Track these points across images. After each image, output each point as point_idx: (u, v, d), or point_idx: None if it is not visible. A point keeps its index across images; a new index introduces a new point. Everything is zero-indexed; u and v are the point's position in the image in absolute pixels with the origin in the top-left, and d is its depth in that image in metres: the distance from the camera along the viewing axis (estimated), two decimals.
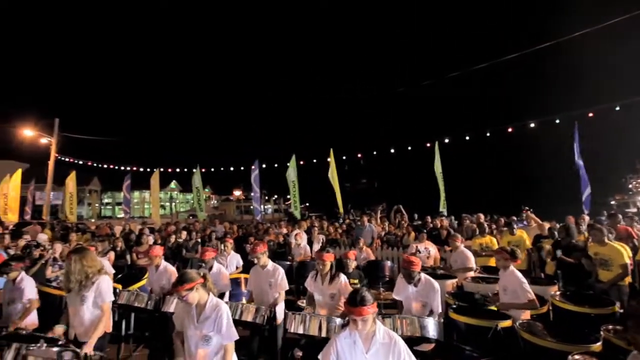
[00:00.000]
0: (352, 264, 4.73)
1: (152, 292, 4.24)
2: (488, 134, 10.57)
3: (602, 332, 2.70)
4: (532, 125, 9.84)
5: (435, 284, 3.31)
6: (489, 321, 3.00)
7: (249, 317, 3.30)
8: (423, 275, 3.37)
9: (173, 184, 54.32)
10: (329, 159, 11.62)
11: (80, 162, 17.97)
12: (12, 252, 5.49)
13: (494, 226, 7.68)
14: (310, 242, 7.36)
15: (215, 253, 4.67)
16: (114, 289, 3.45)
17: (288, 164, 11.93)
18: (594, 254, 4.46)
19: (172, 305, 3.67)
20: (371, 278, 5.21)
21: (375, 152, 12.94)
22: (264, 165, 13.64)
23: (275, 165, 13.66)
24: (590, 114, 8.88)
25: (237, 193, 53.90)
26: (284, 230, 8.45)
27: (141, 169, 16.59)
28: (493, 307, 3.57)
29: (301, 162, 12.59)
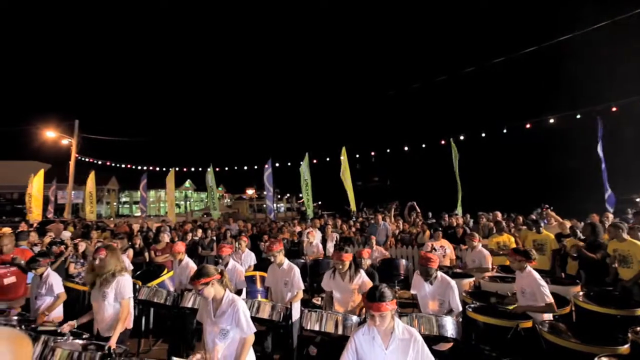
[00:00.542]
0: (367, 262, 4.72)
1: (175, 289, 4.35)
2: (505, 130, 10.31)
3: (629, 334, 2.60)
4: (552, 120, 9.54)
5: (452, 282, 3.26)
6: (510, 321, 2.93)
7: (265, 314, 3.32)
8: (439, 274, 3.32)
9: (187, 183, 55.31)
10: (342, 157, 11.59)
11: (99, 162, 18.50)
12: (37, 248, 5.71)
13: (511, 224, 7.49)
14: (324, 241, 7.37)
15: (232, 250, 4.74)
16: (134, 284, 3.55)
17: (301, 162, 11.96)
18: (613, 251, 4.34)
19: (190, 301, 3.74)
20: (386, 276, 5.18)
21: (388, 150, 12.82)
22: (277, 164, 13.72)
23: (289, 163, 13.71)
24: (614, 108, 8.53)
25: (250, 192, 54.43)
26: (298, 229, 8.48)
27: (157, 169, 16.96)
28: (510, 307, 3.49)
29: (314, 161, 12.59)
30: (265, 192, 13.79)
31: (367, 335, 2.09)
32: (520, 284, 3.40)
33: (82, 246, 5.46)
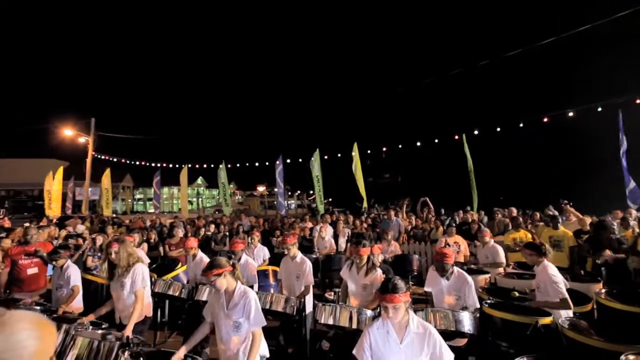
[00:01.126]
0: (379, 258, 4.68)
1: (188, 281, 4.41)
2: (521, 125, 10.03)
3: None
4: (571, 114, 9.22)
5: (469, 277, 3.19)
6: (529, 317, 2.85)
7: (278, 307, 3.33)
8: (456, 269, 3.26)
9: (200, 180, 56.06)
10: (353, 153, 11.53)
11: (115, 160, 18.88)
12: (58, 242, 5.88)
13: (528, 221, 7.32)
14: (335, 236, 7.36)
15: (244, 245, 4.77)
16: (150, 277, 3.62)
17: (312, 158, 11.95)
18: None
19: (204, 294, 3.78)
20: (399, 272, 5.12)
21: (400, 146, 12.67)
22: (288, 160, 13.74)
23: (300, 159, 13.71)
24: (638, 100, 8.19)
25: (261, 189, 54.82)
26: (309, 225, 8.48)
27: (170, 165, 17.23)
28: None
29: (325, 157, 12.56)
30: (276, 189, 13.88)
31: (382, 329, 2.06)
32: (536, 279, 3.32)
33: (99, 240, 5.61)
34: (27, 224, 6.82)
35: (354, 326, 2.84)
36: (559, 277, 3.20)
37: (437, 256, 3.30)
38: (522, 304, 3.39)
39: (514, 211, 7.83)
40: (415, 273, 5.88)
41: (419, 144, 12.21)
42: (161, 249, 6.80)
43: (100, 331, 2.75)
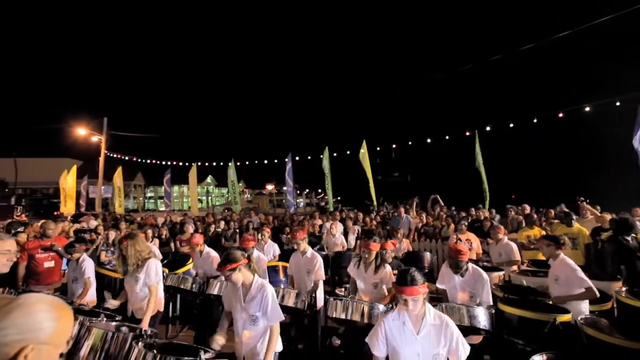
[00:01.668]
0: (391, 255, 4.63)
1: (197, 275, 4.43)
2: (535, 120, 9.79)
3: None
4: (588, 109, 8.95)
5: (484, 274, 3.13)
6: (546, 314, 2.77)
7: (290, 302, 3.32)
8: (470, 265, 3.19)
9: (209, 179, 56.60)
10: (362, 151, 11.46)
11: (126, 158, 19.19)
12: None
13: (542, 218, 7.16)
14: (345, 234, 7.33)
15: (255, 242, 4.77)
16: (162, 272, 3.65)
17: (321, 156, 11.93)
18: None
19: (215, 288, 3.80)
20: None
21: (410, 142, 12.54)
22: (297, 158, 13.74)
23: (309, 157, 13.70)
24: None
25: (270, 187, 55.05)
26: (319, 222, 8.47)
27: (180, 163, 17.44)
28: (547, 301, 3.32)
29: (334, 154, 12.51)
30: (285, 188, 13.91)
31: (397, 320, 2.04)
32: (554, 272, 3.25)
33: (111, 235, 5.70)
34: (43, 221, 6.98)
35: (366, 321, 2.81)
36: (578, 267, 3.14)
37: (451, 253, 3.23)
38: (541, 300, 3.31)
39: (528, 208, 7.67)
40: (427, 270, 5.81)
41: (429, 140, 12.06)
42: (172, 245, 6.88)
43: (114, 323, 2.79)
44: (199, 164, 16.11)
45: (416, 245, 7.22)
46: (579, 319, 2.75)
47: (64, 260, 4.51)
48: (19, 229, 4.94)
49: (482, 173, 10.01)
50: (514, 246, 5.05)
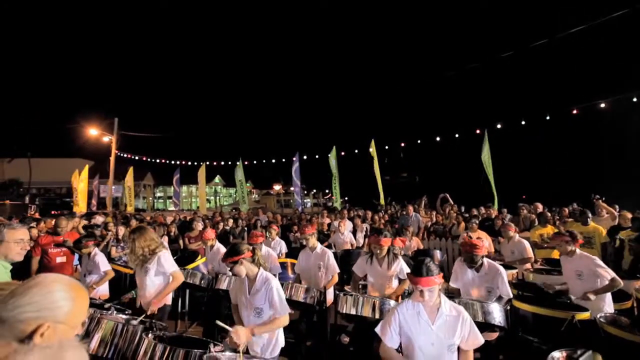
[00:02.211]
0: (399, 252, 4.56)
1: (206, 271, 4.44)
2: (548, 117, 9.58)
3: None
4: (603, 105, 8.70)
5: (501, 268, 3.05)
6: (564, 312, 2.69)
7: (299, 297, 3.29)
8: (486, 260, 3.11)
9: (217, 179, 57.03)
10: (370, 150, 11.40)
11: (136, 158, 19.45)
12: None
13: (555, 217, 7.00)
14: (353, 232, 7.27)
15: (263, 238, 4.76)
16: None
17: (329, 155, 11.90)
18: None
19: (224, 283, 3.79)
20: None
21: (419, 141, 12.40)
22: (304, 157, 13.73)
23: (317, 156, 13.68)
24: None
25: (277, 188, 55.21)
26: (327, 220, 8.43)
27: (189, 163, 17.60)
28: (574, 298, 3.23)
29: (342, 153, 12.46)
30: (292, 188, 13.92)
31: (412, 310, 2.02)
32: (574, 267, 3.15)
33: (121, 231, 5.76)
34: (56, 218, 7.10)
35: (377, 316, 2.76)
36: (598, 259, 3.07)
37: (466, 247, 3.14)
38: (556, 298, 3.22)
39: (540, 207, 7.50)
40: None
41: (438, 139, 11.91)
42: (181, 242, 6.92)
43: (124, 316, 2.79)
44: (208, 163, 16.25)
45: (426, 244, 7.12)
46: (598, 316, 2.66)
47: (76, 256, 4.57)
48: (31, 225, 5.02)
49: (489, 173, 9.85)
50: (526, 243, 4.94)
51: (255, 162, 16.26)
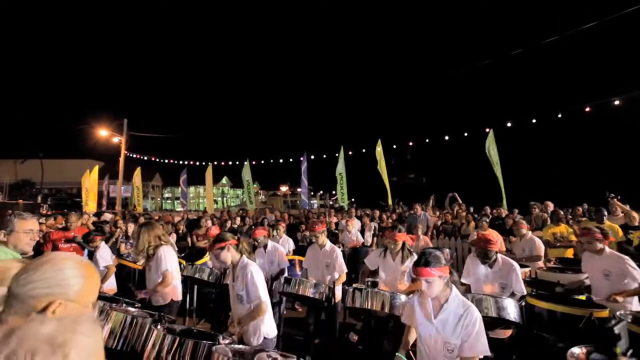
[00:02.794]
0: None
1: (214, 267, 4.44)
2: (560, 115, 9.37)
3: None
4: (617, 102, 8.48)
5: (515, 263, 2.96)
6: (583, 309, 2.60)
7: (307, 292, 3.25)
8: (500, 256, 3.03)
9: (224, 180, 57.40)
10: (378, 149, 11.33)
11: (145, 158, 19.67)
12: None
13: (568, 216, 6.85)
14: (361, 231, 7.22)
15: (266, 232, 4.73)
16: (179, 263, 3.65)
17: (337, 154, 11.86)
18: None
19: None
20: None
21: (427, 140, 12.27)
22: (312, 157, 13.72)
23: (324, 156, 13.65)
24: None
25: (284, 189, 55.34)
26: (335, 220, 8.39)
27: (197, 163, 17.72)
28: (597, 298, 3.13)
29: (350, 153, 12.40)
30: (299, 189, 13.92)
31: (419, 300, 2.03)
32: (601, 266, 3.01)
33: (130, 227, 5.80)
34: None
35: (387, 310, 2.71)
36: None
37: (479, 242, 3.04)
38: (572, 295, 3.13)
39: (551, 205, 7.35)
40: None
41: (447, 138, 11.77)
42: (189, 239, 6.95)
43: (133, 309, 2.79)
44: (215, 163, 16.34)
45: (435, 243, 7.04)
46: (618, 313, 2.57)
47: (86, 252, 4.62)
48: (40, 221, 5.09)
49: (497, 172, 9.69)
50: (538, 241, 4.82)
51: (262, 161, 16.30)
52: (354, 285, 4.72)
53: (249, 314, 2.41)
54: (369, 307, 2.79)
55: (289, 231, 7.45)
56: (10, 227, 2.17)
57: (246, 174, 14.21)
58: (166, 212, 21.38)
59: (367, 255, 3.81)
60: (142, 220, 7.73)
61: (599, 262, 3.04)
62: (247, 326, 2.43)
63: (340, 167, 12.06)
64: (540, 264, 4.63)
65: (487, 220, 6.34)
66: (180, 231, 7.16)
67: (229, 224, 8.15)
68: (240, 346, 2.15)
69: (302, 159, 12.91)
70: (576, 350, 1.98)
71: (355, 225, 6.99)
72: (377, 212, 8.75)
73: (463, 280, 3.28)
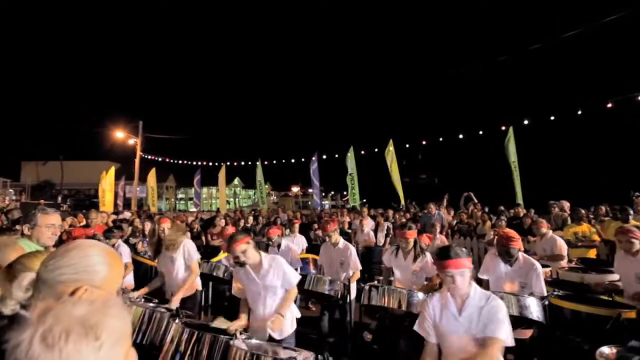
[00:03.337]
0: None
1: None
2: (580, 112, 9.08)
3: None
4: None
5: (536, 263, 2.86)
6: (610, 309, 2.50)
7: (323, 288, 3.23)
8: (521, 254, 2.93)
9: (236, 181, 58.01)
10: (390, 148, 11.23)
11: (159, 159, 20.06)
12: None
13: (590, 216, 6.62)
14: (375, 230, 7.17)
15: (280, 231, 4.74)
16: None
17: (348, 154, 11.82)
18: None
19: None
20: None
21: (441, 139, 12.09)
22: (324, 156, 13.71)
23: (336, 155, 13.62)
24: None
25: (295, 189, 55.54)
26: (347, 219, 8.35)
27: (210, 164, 17.97)
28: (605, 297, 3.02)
29: (362, 152, 12.33)
30: (310, 190, 13.94)
31: (440, 302, 1.92)
32: (636, 268, 2.84)
33: (147, 226, 5.90)
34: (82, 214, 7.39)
35: (404, 308, 2.66)
36: None
37: (501, 240, 2.94)
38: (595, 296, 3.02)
39: (567, 205, 7.11)
40: None
41: (461, 136, 11.56)
42: (203, 238, 7.03)
43: (151, 305, 2.84)
44: (228, 164, 16.54)
45: (450, 243, 6.92)
46: None
47: None
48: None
49: (514, 172, 9.47)
50: (560, 240, 4.66)
51: (274, 161, 16.39)
52: (369, 283, 4.69)
53: (285, 301, 2.48)
54: (386, 305, 2.75)
55: (301, 230, 7.45)
56: (33, 221, 2.24)
57: (258, 174, 14.33)
58: (180, 213, 21.75)
59: (381, 255, 3.78)
60: (157, 219, 7.88)
61: (634, 264, 2.86)
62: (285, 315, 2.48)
63: (351, 167, 12.01)
64: (563, 263, 4.49)
65: (505, 219, 6.20)
66: (195, 230, 7.25)
67: (242, 223, 8.22)
68: (257, 341, 2.16)
69: (313, 158, 12.92)
70: (606, 349, 1.90)
71: (369, 224, 6.94)
72: (391, 212, 8.66)
73: (480, 276, 3.20)
